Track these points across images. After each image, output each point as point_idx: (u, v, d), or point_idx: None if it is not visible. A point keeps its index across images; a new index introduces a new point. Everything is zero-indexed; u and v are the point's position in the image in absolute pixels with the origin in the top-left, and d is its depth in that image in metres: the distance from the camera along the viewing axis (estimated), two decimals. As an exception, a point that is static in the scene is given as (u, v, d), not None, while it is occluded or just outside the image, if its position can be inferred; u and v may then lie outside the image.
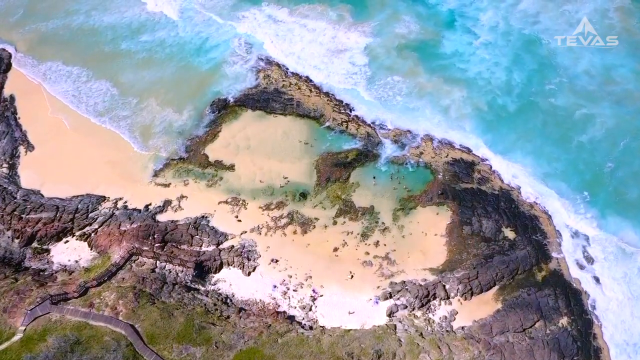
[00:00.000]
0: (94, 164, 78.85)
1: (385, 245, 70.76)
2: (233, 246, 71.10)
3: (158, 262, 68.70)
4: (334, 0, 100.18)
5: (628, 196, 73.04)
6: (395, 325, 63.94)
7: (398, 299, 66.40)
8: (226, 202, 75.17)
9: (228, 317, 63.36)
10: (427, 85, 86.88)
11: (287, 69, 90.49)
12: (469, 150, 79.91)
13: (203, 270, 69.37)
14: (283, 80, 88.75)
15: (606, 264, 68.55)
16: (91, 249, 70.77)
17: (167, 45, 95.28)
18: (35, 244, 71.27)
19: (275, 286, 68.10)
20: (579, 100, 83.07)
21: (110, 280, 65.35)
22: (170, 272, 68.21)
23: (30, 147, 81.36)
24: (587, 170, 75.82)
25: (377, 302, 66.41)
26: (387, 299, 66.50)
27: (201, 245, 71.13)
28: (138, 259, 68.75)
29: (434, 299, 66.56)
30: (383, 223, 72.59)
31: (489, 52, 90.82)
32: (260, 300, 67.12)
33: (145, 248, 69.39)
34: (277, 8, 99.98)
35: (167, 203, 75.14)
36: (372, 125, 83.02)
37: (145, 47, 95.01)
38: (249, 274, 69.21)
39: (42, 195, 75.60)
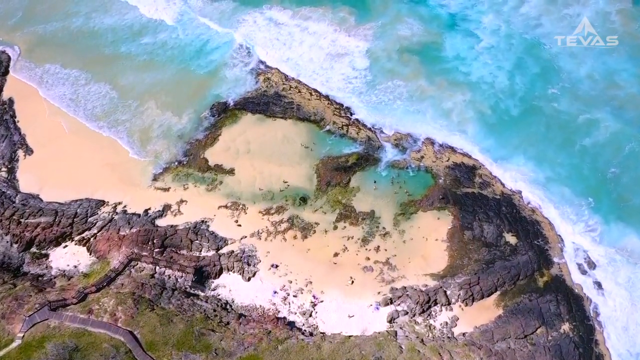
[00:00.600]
0: (93, 168, 78.41)
1: (385, 250, 70.43)
2: (233, 251, 70.68)
3: (157, 267, 68.39)
4: (336, 2, 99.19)
5: (632, 202, 72.33)
6: (395, 332, 63.65)
7: (399, 304, 66.05)
8: (226, 206, 74.74)
9: (228, 323, 63.01)
10: (428, 89, 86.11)
11: (287, 73, 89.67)
12: (470, 155, 79.23)
13: (202, 275, 69.01)
14: (283, 84, 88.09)
15: (609, 269, 68.12)
16: (90, 254, 70.45)
17: (169, 47, 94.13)
18: (34, 249, 70.99)
19: (275, 292, 67.72)
20: (581, 104, 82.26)
21: (109, 286, 65.08)
22: (170, 277, 67.84)
23: (29, 150, 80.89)
24: (591, 176, 75.13)
25: (377, 308, 66.03)
26: (387, 304, 66.15)
27: (201, 250, 70.72)
28: (137, 264, 68.44)
29: (435, 305, 66.27)
30: (384, 228, 72.16)
31: (491, 55, 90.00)
32: (260, 306, 66.79)
33: (144, 253, 69.03)
34: (278, 10, 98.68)
35: (167, 207, 74.71)
36: (372, 129, 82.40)
37: (147, 49, 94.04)
38: (249, 279, 68.82)
39: (41, 200, 75.28)
